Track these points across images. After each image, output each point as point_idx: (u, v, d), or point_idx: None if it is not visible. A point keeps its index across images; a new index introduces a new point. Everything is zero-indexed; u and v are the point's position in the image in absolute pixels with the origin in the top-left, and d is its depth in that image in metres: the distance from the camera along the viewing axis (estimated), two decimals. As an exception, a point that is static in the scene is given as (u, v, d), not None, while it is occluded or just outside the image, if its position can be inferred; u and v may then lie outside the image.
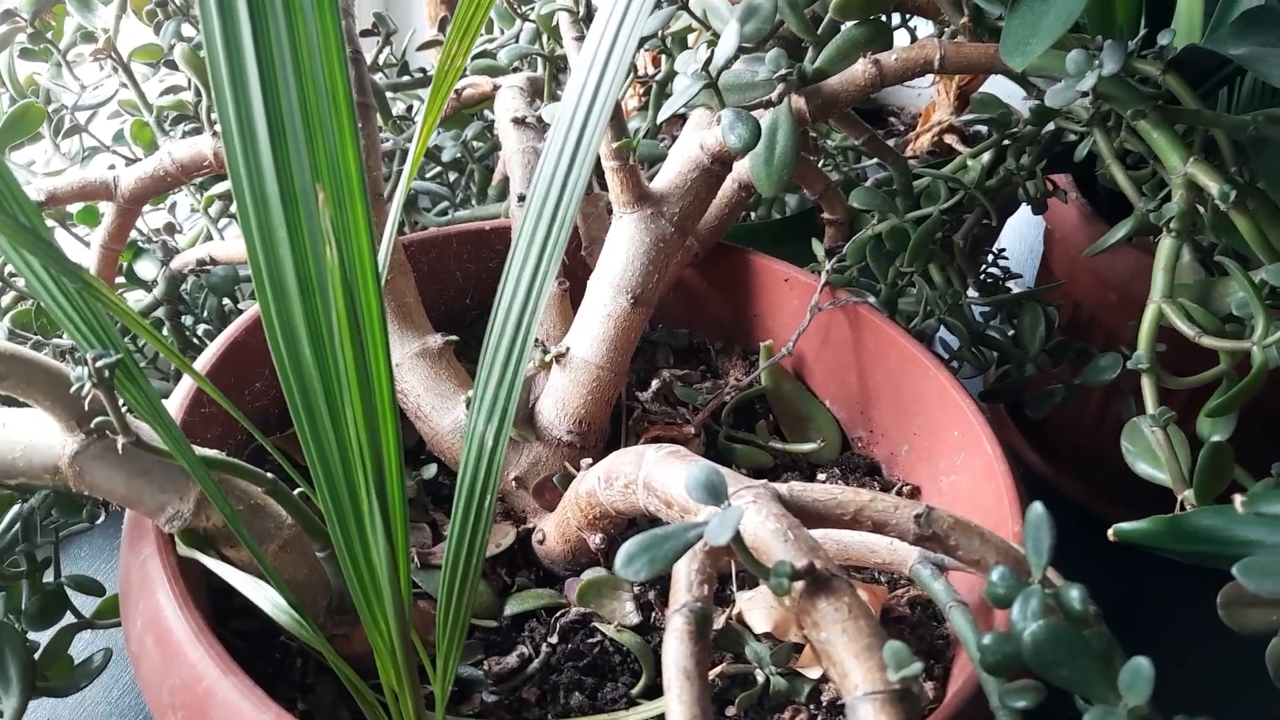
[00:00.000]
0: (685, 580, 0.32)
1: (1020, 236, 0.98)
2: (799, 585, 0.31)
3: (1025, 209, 0.66)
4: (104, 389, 0.30)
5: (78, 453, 0.35)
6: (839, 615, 0.30)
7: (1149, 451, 0.47)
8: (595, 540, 0.44)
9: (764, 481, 0.35)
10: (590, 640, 0.43)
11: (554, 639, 0.43)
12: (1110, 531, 0.41)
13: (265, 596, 0.33)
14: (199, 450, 0.36)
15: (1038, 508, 0.33)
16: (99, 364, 0.29)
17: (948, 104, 0.82)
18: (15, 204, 0.30)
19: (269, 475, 0.36)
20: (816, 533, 0.37)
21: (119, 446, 0.32)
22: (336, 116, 0.25)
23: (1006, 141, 0.62)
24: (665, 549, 0.29)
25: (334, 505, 0.30)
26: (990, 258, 0.71)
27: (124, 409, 0.32)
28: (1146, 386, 0.46)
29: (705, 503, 0.31)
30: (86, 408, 0.32)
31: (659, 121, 0.43)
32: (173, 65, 0.61)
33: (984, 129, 0.83)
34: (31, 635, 0.52)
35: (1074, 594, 0.32)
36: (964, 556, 0.35)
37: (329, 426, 0.28)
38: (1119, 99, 0.46)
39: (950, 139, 0.82)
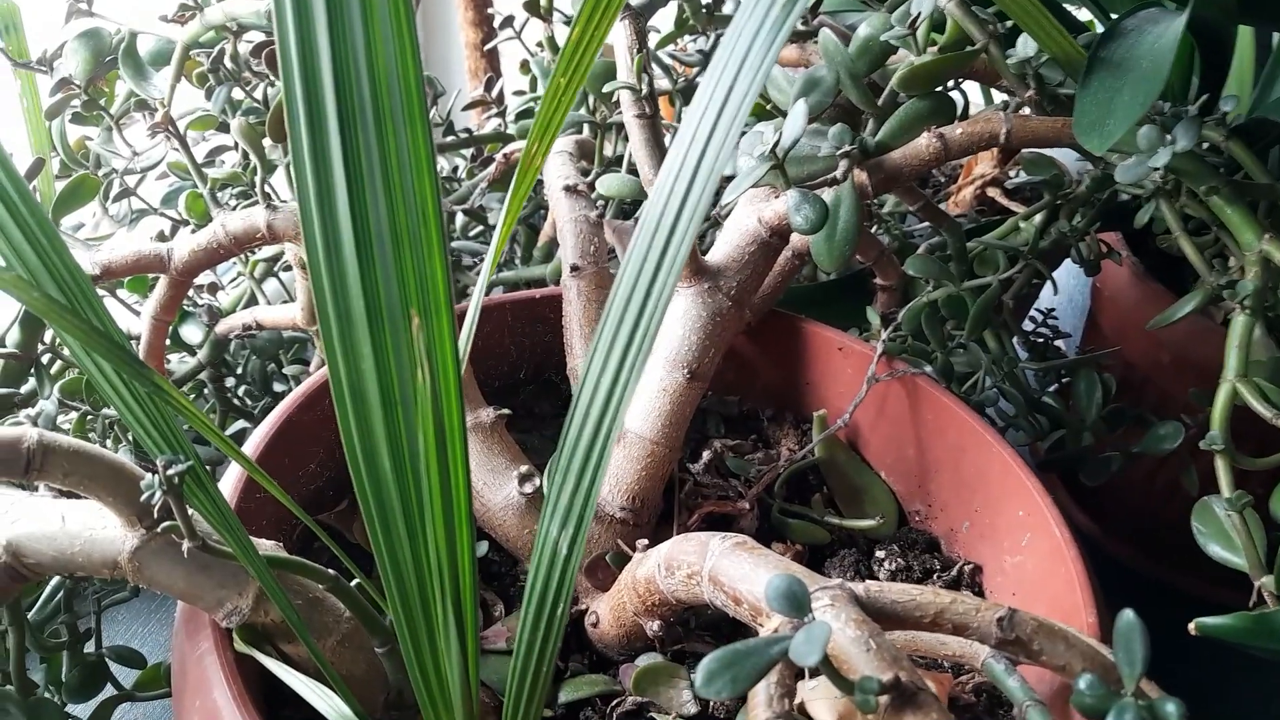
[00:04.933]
0: (764, 694, 0.31)
1: (1062, 288, 0.97)
2: (884, 700, 0.30)
3: (1069, 263, 0.65)
4: (173, 496, 0.29)
5: (137, 548, 0.34)
6: (929, 734, 0.29)
7: (1222, 534, 0.46)
8: (653, 627, 0.42)
9: (839, 582, 0.34)
10: (649, 731, 0.42)
11: (611, 729, 0.42)
12: (1191, 626, 0.40)
13: (327, 705, 0.33)
14: (259, 544, 0.35)
15: (1129, 615, 0.31)
16: (170, 472, 0.28)
17: (991, 157, 0.82)
18: (87, 305, 0.29)
19: (331, 572, 0.35)
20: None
21: (184, 550, 0.31)
22: (425, 231, 0.24)
23: (1058, 202, 0.61)
24: (748, 666, 0.28)
25: (405, 616, 0.29)
26: (1040, 317, 0.69)
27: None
28: (1221, 469, 0.44)
29: (787, 615, 0.30)
30: (156, 514, 0.32)
31: (724, 204, 0.42)
32: (222, 128, 0.61)
33: (1027, 182, 0.82)
34: (71, 708, 0.51)
35: (1170, 708, 0.30)
36: (1048, 662, 0.34)
37: (405, 540, 0.27)
38: (1191, 174, 0.45)
39: (993, 192, 0.81)
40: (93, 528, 0.34)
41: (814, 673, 0.44)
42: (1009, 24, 0.46)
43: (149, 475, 0.29)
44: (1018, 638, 0.34)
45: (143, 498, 0.29)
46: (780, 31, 0.25)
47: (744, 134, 0.42)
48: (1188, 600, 0.68)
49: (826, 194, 0.43)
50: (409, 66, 0.24)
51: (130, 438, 0.54)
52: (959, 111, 0.60)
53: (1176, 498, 0.67)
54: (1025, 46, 0.45)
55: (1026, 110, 0.46)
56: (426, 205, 0.24)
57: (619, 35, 0.47)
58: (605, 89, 0.44)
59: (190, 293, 0.62)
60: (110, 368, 0.30)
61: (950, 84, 0.62)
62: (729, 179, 0.42)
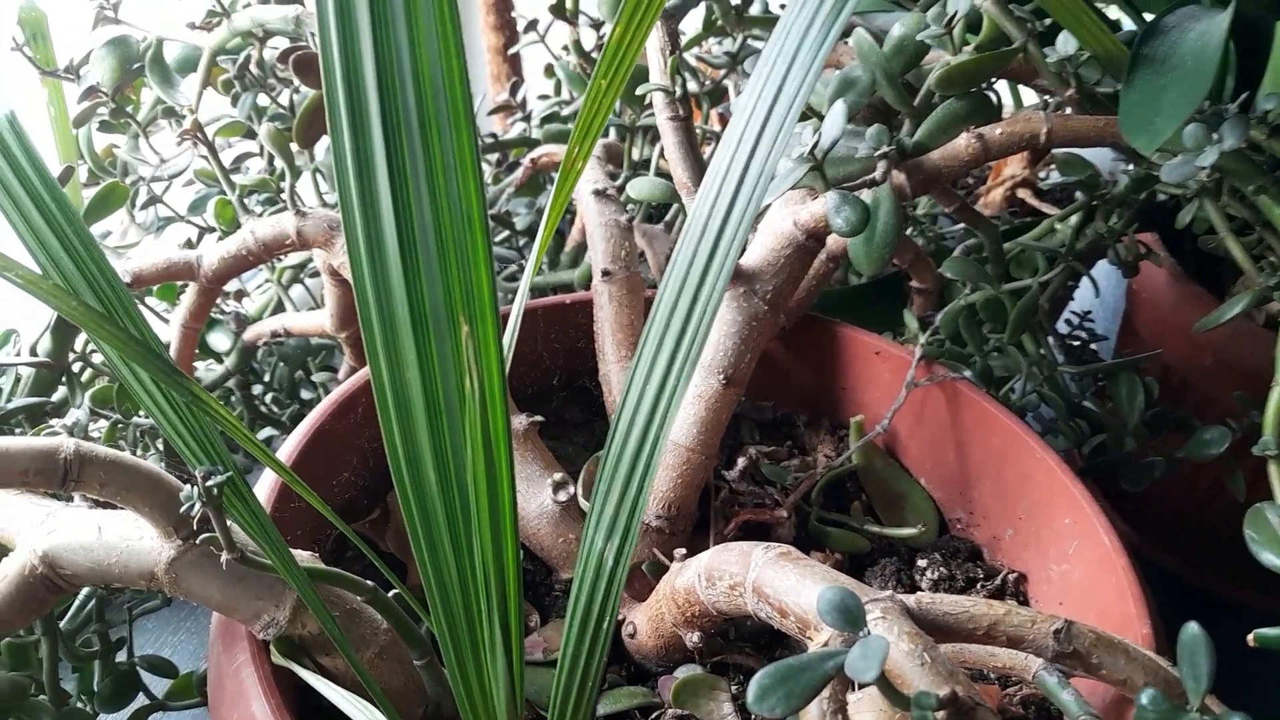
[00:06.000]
0: (817, 711, 0.30)
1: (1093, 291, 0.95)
2: (940, 716, 0.29)
3: (1102, 264, 0.63)
4: (213, 508, 0.28)
5: (174, 560, 0.34)
6: (988, 751, 0.28)
7: (1276, 541, 0.44)
8: (693, 638, 0.42)
9: (889, 594, 0.33)
10: (689, 744, 0.41)
11: (650, 742, 0.41)
12: (1250, 637, 0.39)
13: (368, 718, 0.32)
14: (296, 555, 0.34)
15: (1194, 628, 0.30)
16: (209, 483, 0.28)
17: (1020, 159, 0.81)
18: (125, 313, 0.29)
19: (370, 584, 0.34)
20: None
21: (222, 561, 0.30)
22: (471, 236, 0.24)
23: (1094, 203, 0.60)
24: (802, 683, 0.27)
25: (449, 628, 0.28)
26: (1076, 320, 0.68)
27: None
28: (1274, 474, 0.43)
29: (840, 628, 0.29)
30: (195, 525, 0.31)
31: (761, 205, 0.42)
32: (247, 135, 0.61)
33: (1060, 185, 0.81)
34: (104, 718, 0.51)
35: (1238, 724, 0.29)
36: (1108, 676, 0.33)
37: (449, 551, 0.27)
38: (1238, 173, 0.44)
39: (1023, 194, 0.80)
40: (129, 539, 0.34)
41: (861, 687, 0.44)
42: (1047, 22, 0.45)
43: (187, 486, 0.29)
44: (1075, 650, 0.33)
45: (182, 509, 0.28)
46: (833, 29, 0.24)
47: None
48: (1231, 608, 0.67)
49: (864, 195, 0.43)
50: (454, 69, 0.23)
51: (160, 446, 0.54)
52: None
53: (1217, 504, 0.66)
54: (1065, 44, 0.44)
55: (1068, 110, 0.45)
56: (472, 210, 0.24)
57: (651, 37, 0.46)
58: (639, 91, 0.44)
59: (218, 300, 0.62)
60: (147, 376, 0.29)
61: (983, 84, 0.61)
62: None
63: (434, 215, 0.24)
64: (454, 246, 0.24)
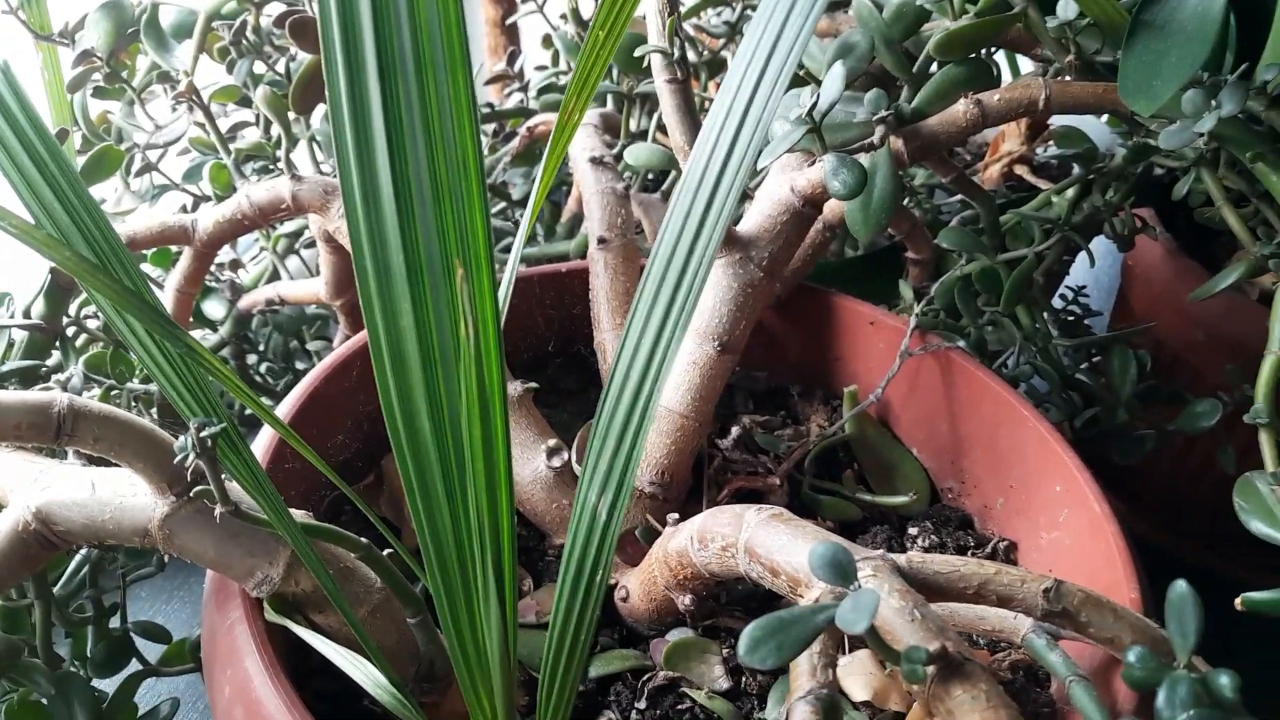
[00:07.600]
0: (808, 665, 0.30)
1: (1088, 267, 0.95)
2: (930, 670, 0.29)
3: (1097, 243, 0.63)
4: (207, 459, 0.28)
5: (168, 516, 0.34)
6: (977, 704, 0.29)
7: (1265, 510, 0.45)
8: (685, 601, 0.42)
9: (881, 552, 0.33)
10: (680, 706, 0.42)
11: (642, 704, 0.42)
12: (1238, 601, 0.39)
13: (363, 674, 0.32)
14: (293, 514, 0.34)
15: (1181, 586, 0.31)
16: (203, 434, 0.28)
17: (1018, 134, 0.80)
18: (119, 265, 0.29)
19: (364, 541, 0.35)
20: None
21: (216, 515, 0.31)
22: (466, 184, 0.24)
23: (1091, 176, 0.60)
24: (793, 635, 0.28)
25: (443, 582, 0.28)
26: (1071, 295, 0.68)
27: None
28: (1265, 443, 0.43)
29: (832, 583, 0.29)
30: (189, 478, 0.31)
31: (759, 168, 0.42)
32: (243, 102, 0.61)
33: (1056, 160, 0.81)
34: (97, 683, 0.51)
35: (1224, 680, 0.29)
36: (1096, 634, 0.33)
37: (444, 503, 0.27)
38: (1236, 140, 0.44)
39: (1020, 170, 0.80)
40: (123, 495, 0.34)
41: (852, 648, 0.44)
42: (1048, -13, 0.45)
43: (181, 439, 0.28)
44: (1064, 609, 0.33)
45: (175, 460, 0.28)
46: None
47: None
48: (1220, 582, 0.67)
49: (862, 160, 0.43)
50: (450, 11, 0.23)
51: (154, 413, 0.54)
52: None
53: (1207, 479, 0.66)
54: (1066, 9, 0.44)
55: (1067, 77, 0.45)
56: (467, 156, 0.24)
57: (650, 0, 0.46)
58: (636, 53, 0.44)
59: (212, 269, 0.62)
60: (141, 328, 0.29)
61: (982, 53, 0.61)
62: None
63: (429, 160, 0.24)
64: (449, 192, 0.24)
